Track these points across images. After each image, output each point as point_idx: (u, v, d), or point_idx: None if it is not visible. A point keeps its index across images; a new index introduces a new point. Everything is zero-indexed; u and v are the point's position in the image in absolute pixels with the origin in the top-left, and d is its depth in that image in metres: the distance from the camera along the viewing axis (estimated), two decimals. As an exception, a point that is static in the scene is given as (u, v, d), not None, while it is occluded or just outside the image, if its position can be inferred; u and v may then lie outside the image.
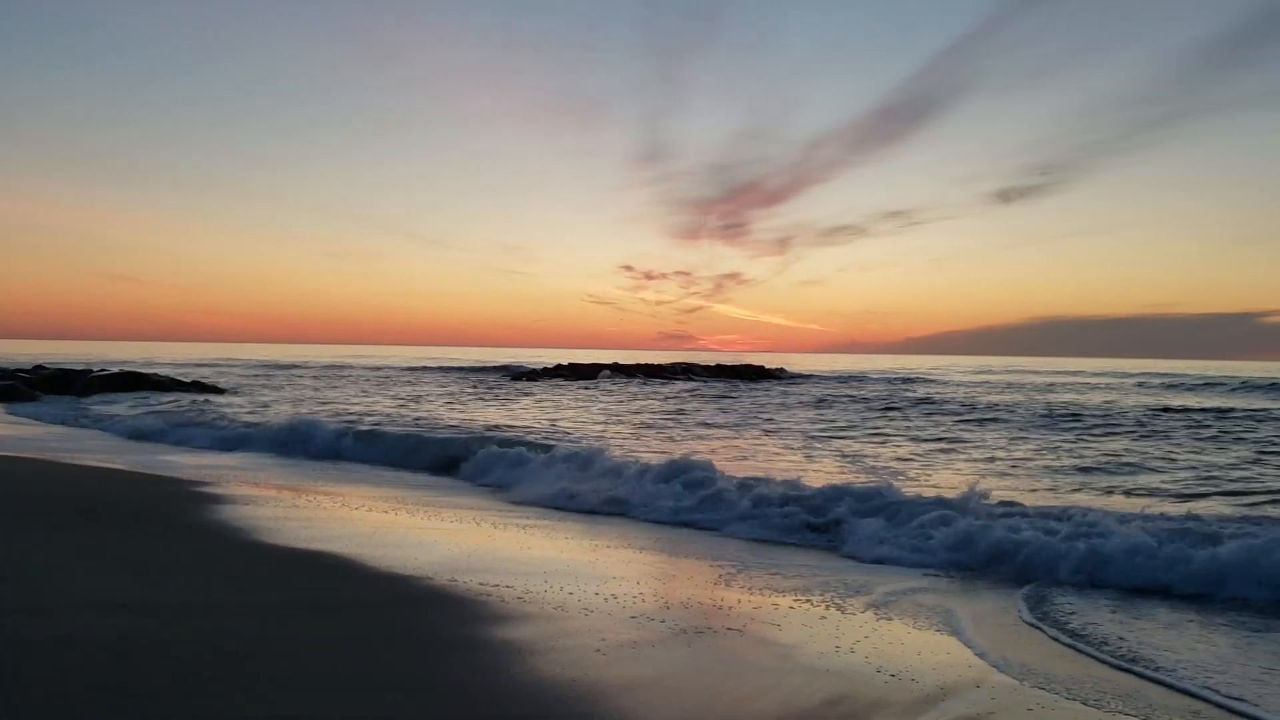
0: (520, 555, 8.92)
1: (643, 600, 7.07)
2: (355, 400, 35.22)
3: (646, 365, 61.42)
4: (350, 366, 71.35)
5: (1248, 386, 46.92)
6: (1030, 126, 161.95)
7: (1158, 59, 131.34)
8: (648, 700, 4.83)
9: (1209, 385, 49.38)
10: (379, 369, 69.31)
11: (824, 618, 6.78)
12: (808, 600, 7.36)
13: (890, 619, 6.87)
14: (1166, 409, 32.93)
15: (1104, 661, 5.97)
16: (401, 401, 34.95)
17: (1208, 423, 27.16)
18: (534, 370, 59.90)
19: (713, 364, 64.09)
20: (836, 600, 7.44)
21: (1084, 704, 5.04)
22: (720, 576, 8.31)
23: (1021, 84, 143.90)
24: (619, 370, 58.69)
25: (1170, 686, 5.45)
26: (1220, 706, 5.12)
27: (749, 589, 7.72)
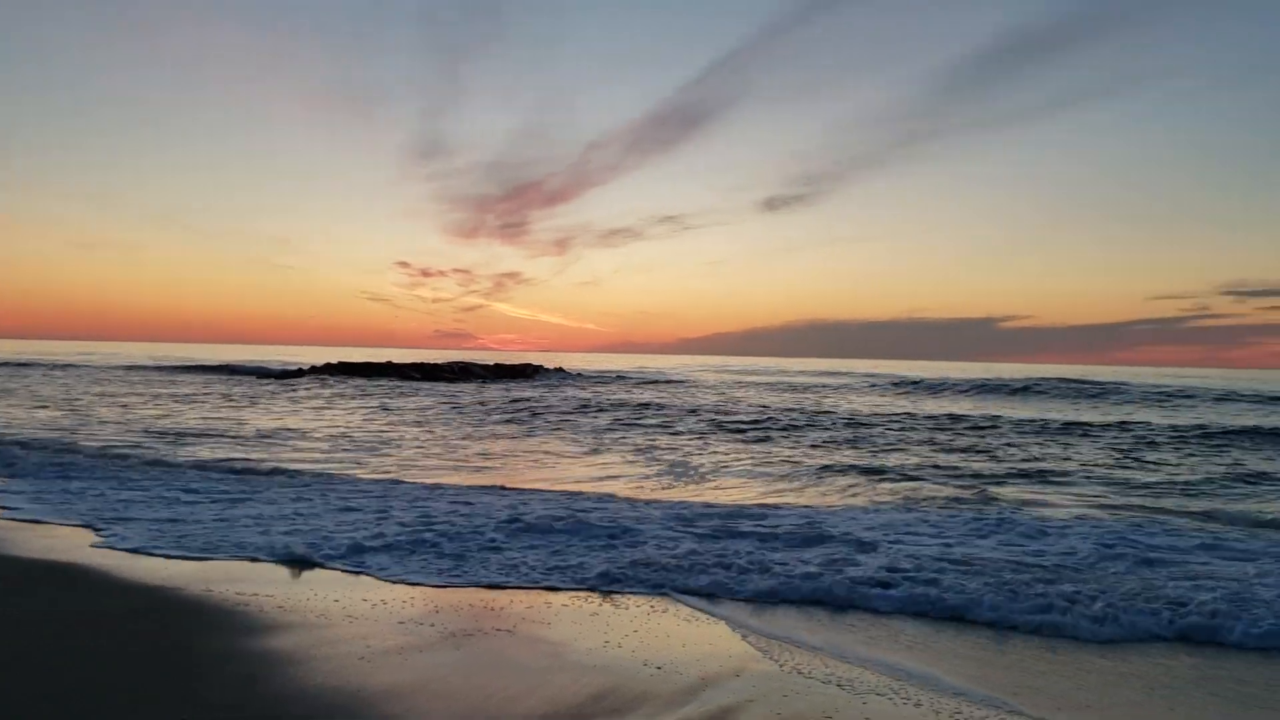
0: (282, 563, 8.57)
1: (412, 605, 6.95)
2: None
3: (423, 364, 60.36)
4: (82, 366, 66.41)
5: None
6: (796, 138, 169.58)
7: (914, 79, 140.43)
8: (414, 705, 4.76)
9: (929, 385, 52.20)
10: (131, 368, 64.82)
11: (595, 614, 6.85)
12: (581, 598, 7.42)
13: (663, 612, 7.00)
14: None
15: (856, 651, 6.29)
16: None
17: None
18: (299, 369, 57.65)
19: (491, 363, 63.83)
20: (611, 597, 7.54)
21: (839, 688, 5.31)
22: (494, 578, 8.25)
23: (789, 97, 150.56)
24: (394, 370, 57.38)
25: (925, 680, 5.81)
26: (980, 702, 5.51)
27: (521, 589, 7.71)
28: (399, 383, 46.84)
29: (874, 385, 52.82)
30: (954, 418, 28.66)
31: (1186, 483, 14.82)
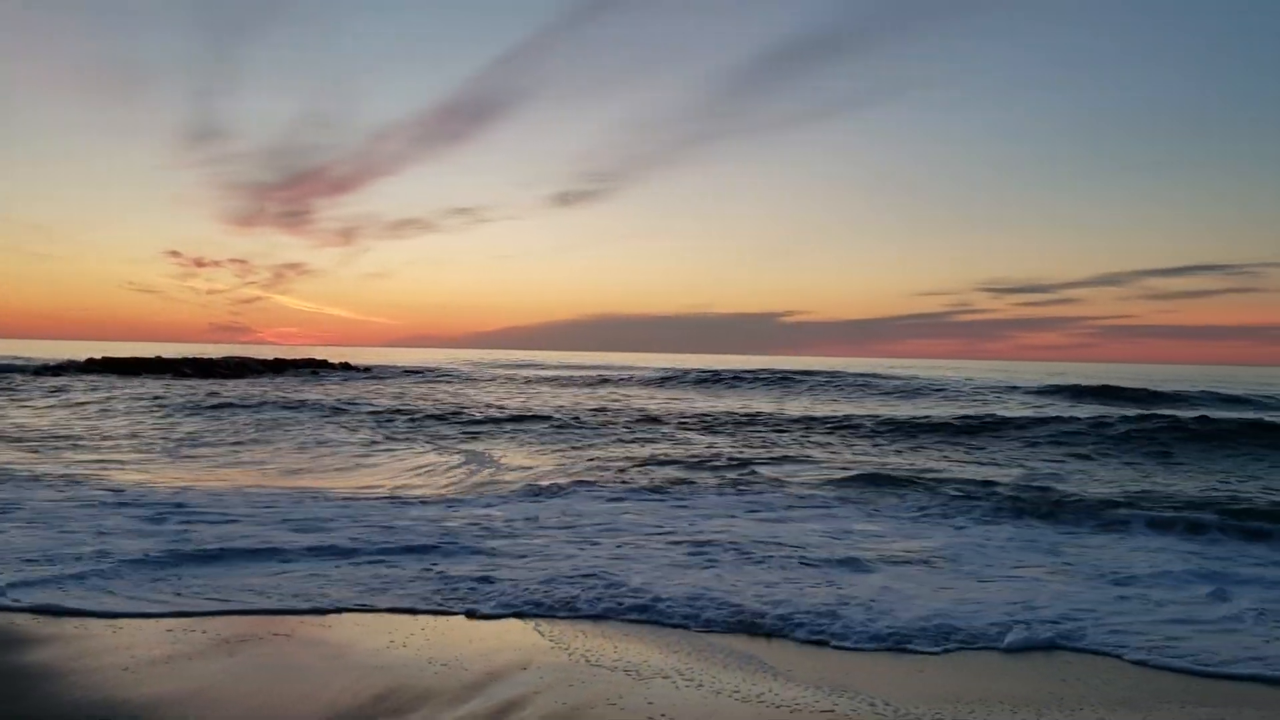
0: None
1: (181, 611, 6.60)
2: None
3: (196, 359, 57.29)
4: None
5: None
6: (587, 135, 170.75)
7: (699, 81, 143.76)
8: (182, 716, 4.54)
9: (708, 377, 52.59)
10: None
11: (379, 615, 6.71)
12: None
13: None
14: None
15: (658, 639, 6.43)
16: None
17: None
18: (51, 365, 53.51)
19: (270, 358, 61.23)
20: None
21: (625, 674, 5.42)
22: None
23: (579, 94, 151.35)
24: (165, 365, 54.18)
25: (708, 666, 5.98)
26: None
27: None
28: (174, 380, 44.20)
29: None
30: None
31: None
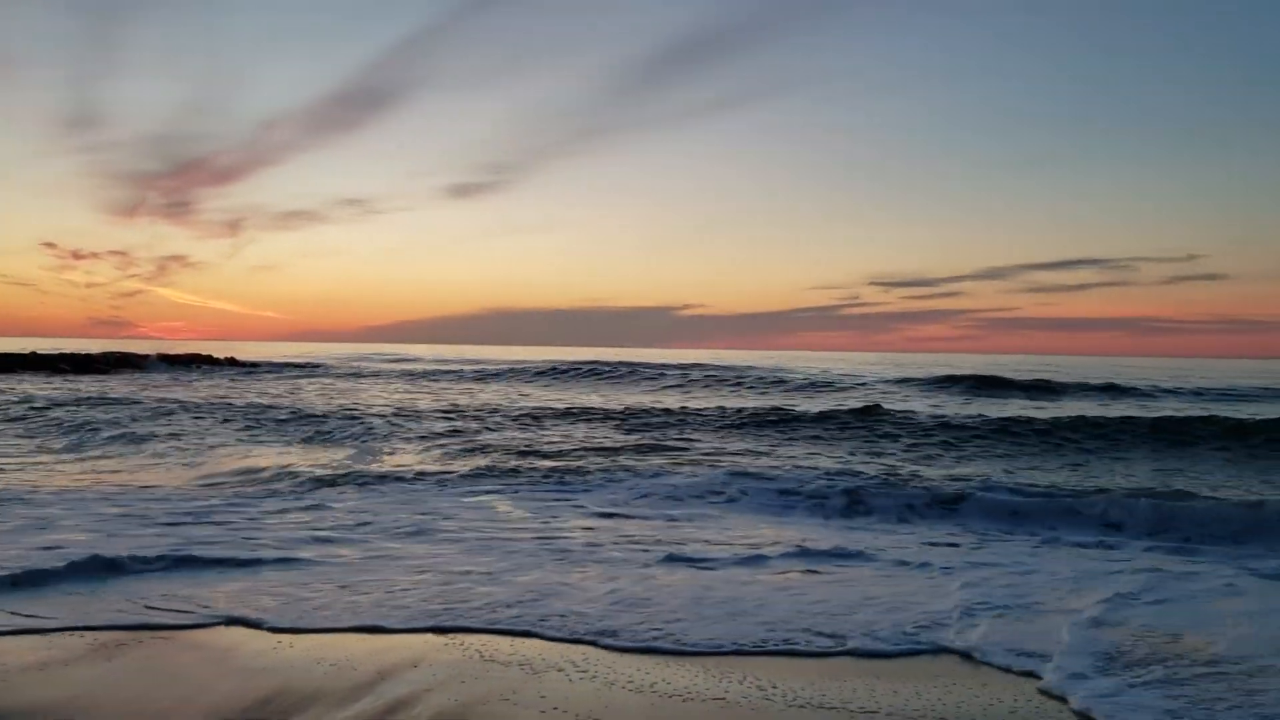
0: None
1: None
2: None
3: (74, 355, 55.08)
4: None
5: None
6: (483, 126, 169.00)
7: (597, 72, 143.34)
8: (56, 726, 4.37)
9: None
10: None
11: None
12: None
13: (335, 609, 6.80)
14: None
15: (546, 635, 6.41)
16: None
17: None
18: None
19: (154, 353, 59.21)
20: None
21: (519, 668, 5.40)
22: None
23: (474, 84, 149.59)
24: (39, 361, 51.94)
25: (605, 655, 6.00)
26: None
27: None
28: (51, 376, 42.41)
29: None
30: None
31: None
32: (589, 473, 13.56)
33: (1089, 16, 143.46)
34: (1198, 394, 33.38)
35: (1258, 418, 19.84)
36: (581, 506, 11.22)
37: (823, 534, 9.83)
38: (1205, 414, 20.82)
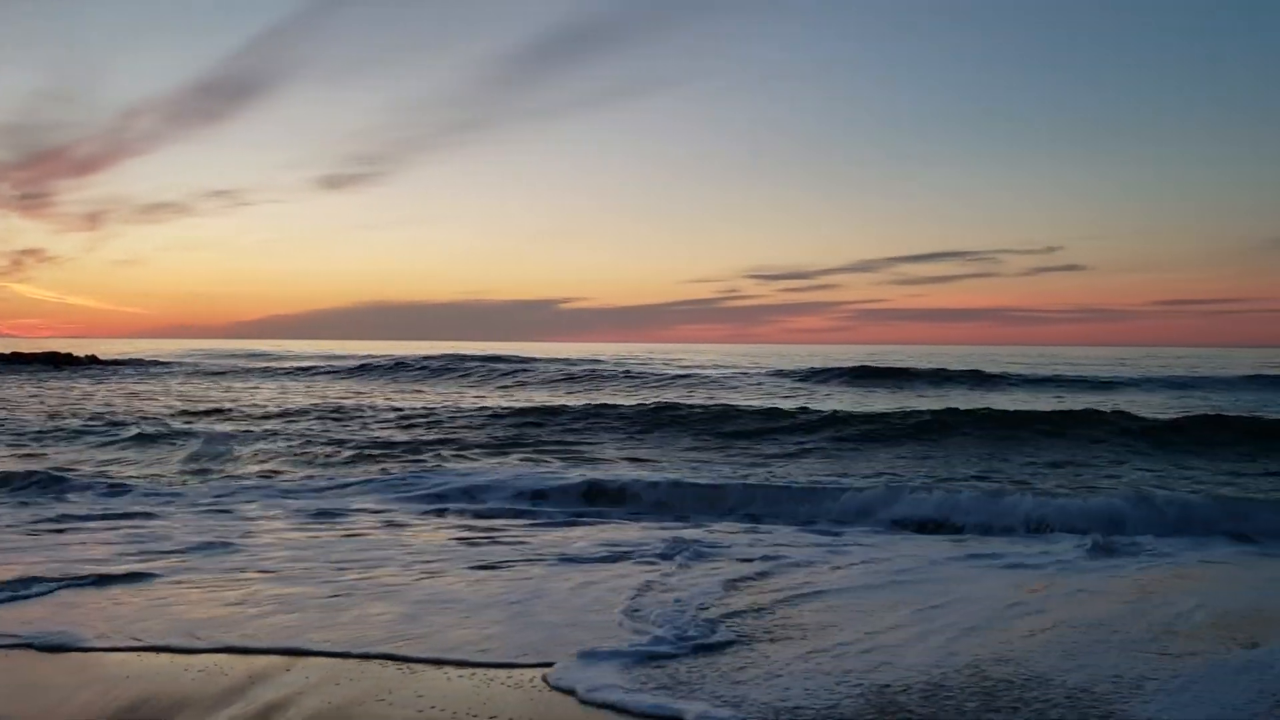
0: None
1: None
2: None
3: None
4: None
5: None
6: (355, 116, 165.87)
7: (475, 63, 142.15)
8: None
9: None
10: None
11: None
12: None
13: (203, 613, 6.60)
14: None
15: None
16: None
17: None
18: None
19: (8, 351, 56.24)
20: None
21: (396, 668, 5.32)
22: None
23: (346, 74, 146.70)
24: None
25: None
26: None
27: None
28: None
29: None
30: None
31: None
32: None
33: (958, 17, 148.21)
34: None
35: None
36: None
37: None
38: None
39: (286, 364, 52.68)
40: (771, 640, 5.85)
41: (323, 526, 9.71)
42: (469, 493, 11.78)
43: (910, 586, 7.30)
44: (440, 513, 10.78)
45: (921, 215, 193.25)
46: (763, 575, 7.59)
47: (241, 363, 55.96)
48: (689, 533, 9.42)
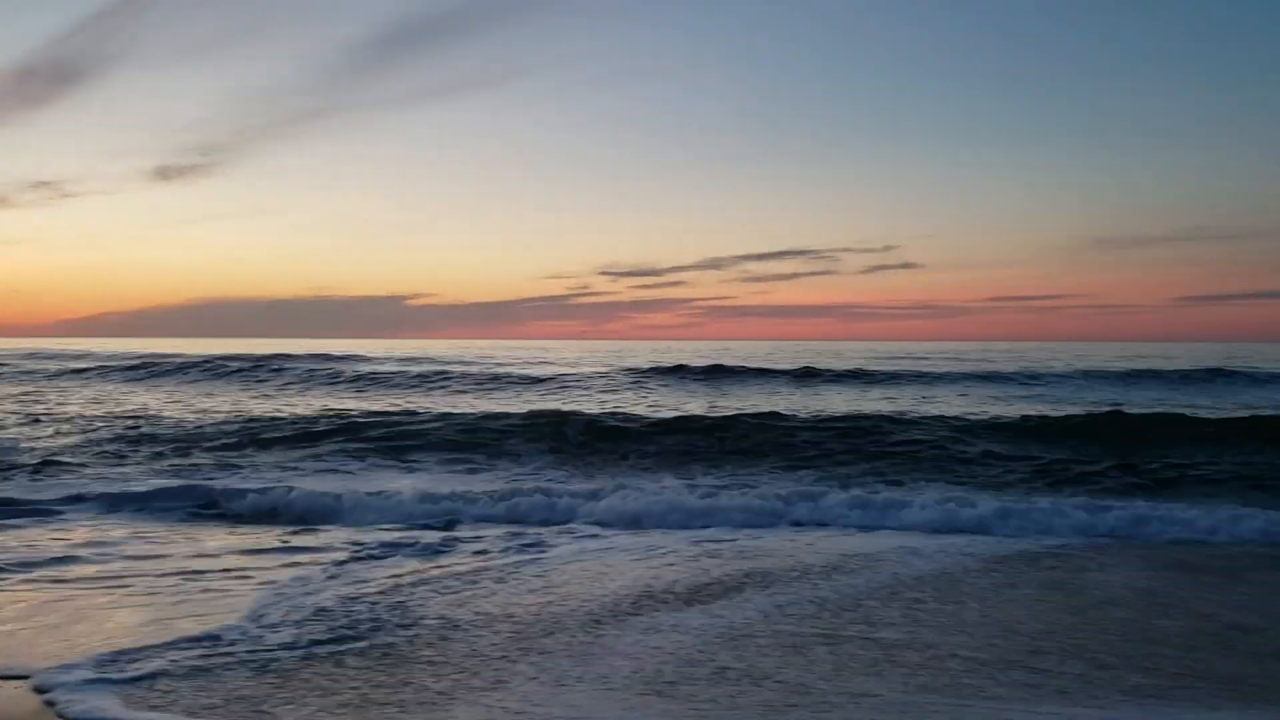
0: None
1: None
2: None
3: None
4: None
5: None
6: (192, 104, 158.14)
7: (318, 51, 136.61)
8: None
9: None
10: None
11: None
12: None
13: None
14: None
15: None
16: None
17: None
18: None
19: None
20: None
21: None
22: None
23: (183, 59, 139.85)
24: None
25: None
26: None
27: None
28: None
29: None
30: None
31: None
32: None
33: (809, 16, 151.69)
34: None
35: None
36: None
37: None
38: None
39: (71, 364, 45.94)
40: None
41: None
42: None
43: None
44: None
45: (767, 214, 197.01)
46: None
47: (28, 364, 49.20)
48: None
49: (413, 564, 8.21)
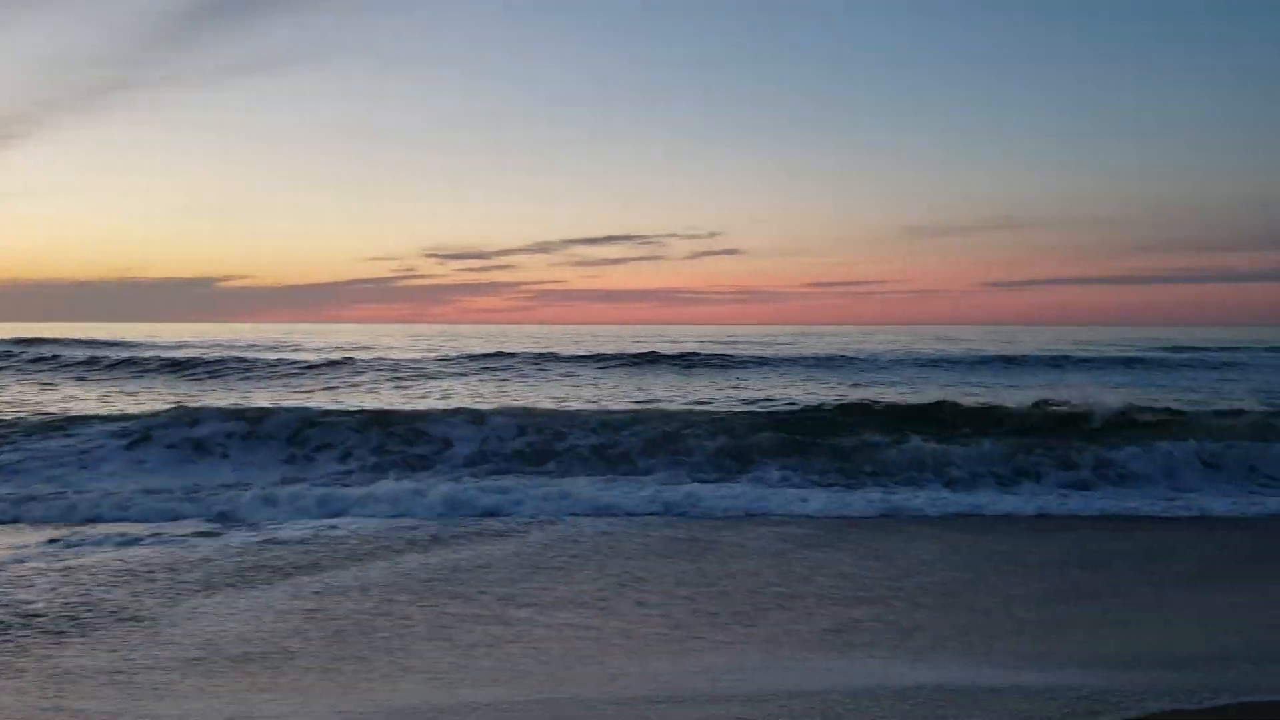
0: None
1: None
2: None
3: None
4: None
5: None
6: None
7: (119, 21, 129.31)
8: None
9: None
10: None
11: None
12: None
13: None
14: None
15: None
16: None
17: None
18: None
19: None
20: None
21: None
22: None
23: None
24: None
25: None
26: None
27: None
28: None
29: None
30: None
31: None
32: None
33: (635, 3, 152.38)
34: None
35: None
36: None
37: None
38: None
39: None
40: None
41: None
42: None
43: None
44: None
45: (597, 199, 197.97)
46: None
47: None
48: None
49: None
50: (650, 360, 32.84)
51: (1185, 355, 40.26)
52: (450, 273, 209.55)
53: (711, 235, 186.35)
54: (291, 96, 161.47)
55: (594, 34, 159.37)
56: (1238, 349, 44.79)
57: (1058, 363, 34.85)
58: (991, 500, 12.36)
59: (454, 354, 34.92)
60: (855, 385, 26.95)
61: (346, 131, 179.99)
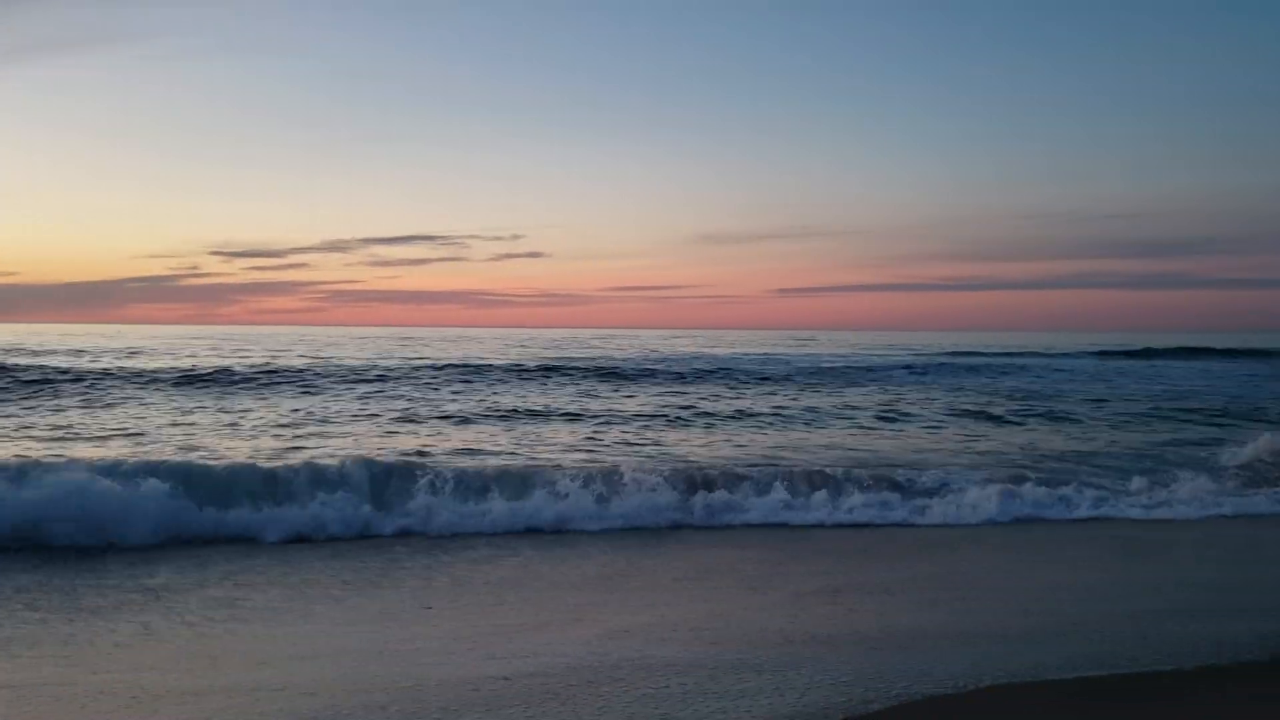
0: None
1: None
2: None
3: None
4: None
5: None
6: None
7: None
8: None
9: None
10: None
11: None
12: None
13: None
14: None
15: None
16: None
17: None
18: None
19: None
20: None
21: None
22: None
23: None
24: None
25: None
26: None
27: None
28: None
29: None
30: None
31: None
32: None
33: (450, 5, 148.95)
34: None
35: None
36: None
37: None
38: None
39: None
40: None
41: None
42: None
43: None
44: None
45: (395, 198, 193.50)
46: None
47: None
48: None
49: None
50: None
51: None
52: (237, 271, 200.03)
53: (514, 238, 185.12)
54: (69, 83, 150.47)
55: (394, 33, 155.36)
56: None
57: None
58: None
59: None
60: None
61: (127, 121, 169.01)
